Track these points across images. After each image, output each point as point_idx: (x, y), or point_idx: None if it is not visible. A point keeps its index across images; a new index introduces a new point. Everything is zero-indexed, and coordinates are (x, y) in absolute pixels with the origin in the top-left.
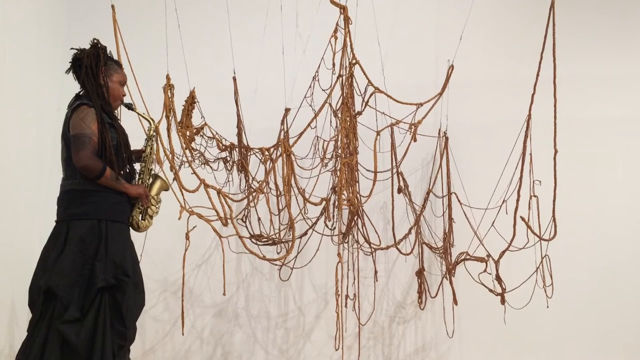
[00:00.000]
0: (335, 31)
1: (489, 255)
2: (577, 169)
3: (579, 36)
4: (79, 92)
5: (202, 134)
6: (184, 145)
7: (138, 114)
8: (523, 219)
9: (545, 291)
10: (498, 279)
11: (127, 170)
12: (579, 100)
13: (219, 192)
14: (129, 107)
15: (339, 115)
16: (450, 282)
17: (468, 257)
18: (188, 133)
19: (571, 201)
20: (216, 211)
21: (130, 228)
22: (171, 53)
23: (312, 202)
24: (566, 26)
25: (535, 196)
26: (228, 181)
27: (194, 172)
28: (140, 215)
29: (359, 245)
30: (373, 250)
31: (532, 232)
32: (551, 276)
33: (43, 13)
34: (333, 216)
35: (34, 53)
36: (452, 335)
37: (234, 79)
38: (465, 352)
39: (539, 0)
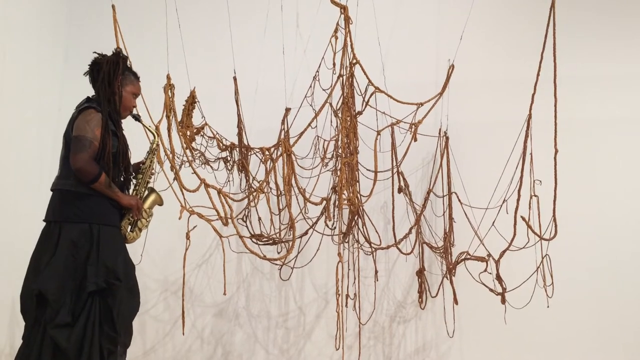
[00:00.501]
0: (336, 31)
1: (489, 255)
2: (578, 168)
3: (579, 36)
4: (92, 95)
5: (202, 133)
6: (185, 145)
7: (144, 125)
8: (523, 219)
9: (546, 291)
10: (498, 278)
11: (122, 180)
12: (579, 100)
13: (219, 191)
14: (137, 118)
15: (340, 115)
16: (451, 282)
17: (468, 256)
18: (188, 133)
19: (571, 201)
20: (217, 211)
21: None
22: (172, 53)
23: (313, 202)
24: (566, 26)
25: (535, 196)
26: (228, 181)
27: (195, 172)
28: (130, 227)
29: (360, 245)
30: (373, 249)
31: (533, 231)
32: (551, 276)
33: (43, 13)
34: (333, 216)
35: (34, 53)
36: (453, 334)
37: (235, 78)
38: (466, 352)
39: (539, 0)
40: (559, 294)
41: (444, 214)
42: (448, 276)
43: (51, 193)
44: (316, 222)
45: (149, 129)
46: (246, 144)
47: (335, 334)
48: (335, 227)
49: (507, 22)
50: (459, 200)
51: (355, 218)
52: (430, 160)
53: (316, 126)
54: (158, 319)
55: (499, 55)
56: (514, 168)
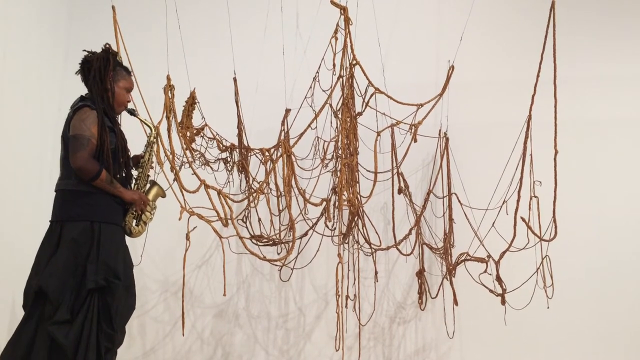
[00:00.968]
0: (336, 32)
1: (489, 256)
2: (578, 169)
3: (579, 36)
4: (85, 93)
5: (202, 134)
6: (185, 146)
7: (140, 119)
8: (523, 220)
9: (546, 292)
10: (498, 279)
11: (124, 175)
12: (579, 101)
13: (219, 192)
14: (132, 112)
15: (340, 115)
16: (451, 283)
17: (468, 257)
18: (188, 134)
19: (571, 202)
20: (216, 212)
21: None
22: (172, 53)
23: (313, 203)
24: (566, 26)
25: (535, 197)
26: (228, 182)
27: (195, 173)
28: (134, 221)
29: (360, 246)
30: (373, 250)
31: (533, 232)
32: (551, 277)
33: (43, 13)
34: (333, 217)
35: (34, 53)
36: (453, 335)
37: (235, 79)
38: (466, 353)
39: (539, 0)
40: (559, 295)
41: (444, 215)
42: (448, 277)
43: (54, 195)
44: (316, 223)
45: (145, 122)
46: (246, 144)
47: (335, 335)
48: (335, 228)
49: (507, 22)
50: (459, 201)
51: (355, 219)
52: (430, 161)
53: (316, 127)
54: (158, 319)
55: (499, 55)
56: (514, 169)
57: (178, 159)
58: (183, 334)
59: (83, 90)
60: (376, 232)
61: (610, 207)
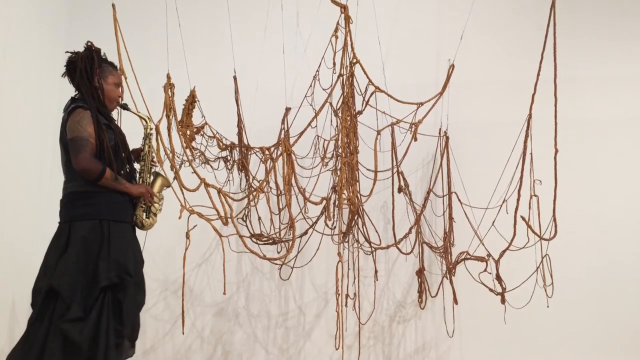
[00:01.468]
0: (336, 30)
1: (489, 255)
2: (578, 168)
3: (579, 36)
4: (75, 95)
5: (202, 133)
6: (185, 145)
7: (134, 113)
8: (523, 219)
9: (546, 291)
10: (498, 278)
11: (127, 170)
12: (579, 100)
13: (219, 191)
14: (125, 107)
15: (340, 114)
16: (451, 282)
17: (468, 256)
18: (188, 132)
19: (572, 201)
20: (216, 210)
21: (135, 227)
22: (172, 52)
23: (313, 202)
24: (566, 26)
25: (535, 196)
26: (228, 180)
27: (195, 172)
28: (145, 214)
29: (359, 245)
30: (373, 249)
31: (533, 231)
32: (551, 276)
33: (43, 13)
34: (333, 215)
35: (34, 53)
36: (452, 334)
37: (235, 78)
38: (466, 352)
39: (539, 0)
40: (559, 294)
41: (443, 214)
42: (448, 276)
43: (60, 198)
44: (316, 222)
45: (139, 115)
46: (246, 143)
47: (335, 334)
48: (335, 227)
49: (507, 22)
50: (459, 200)
51: (355, 218)
52: (430, 160)
53: (316, 126)
54: (158, 318)
55: (499, 55)
56: (514, 168)
57: (178, 157)
58: (183, 333)
59: None
60: (376, 231)
61: (610, 206)
